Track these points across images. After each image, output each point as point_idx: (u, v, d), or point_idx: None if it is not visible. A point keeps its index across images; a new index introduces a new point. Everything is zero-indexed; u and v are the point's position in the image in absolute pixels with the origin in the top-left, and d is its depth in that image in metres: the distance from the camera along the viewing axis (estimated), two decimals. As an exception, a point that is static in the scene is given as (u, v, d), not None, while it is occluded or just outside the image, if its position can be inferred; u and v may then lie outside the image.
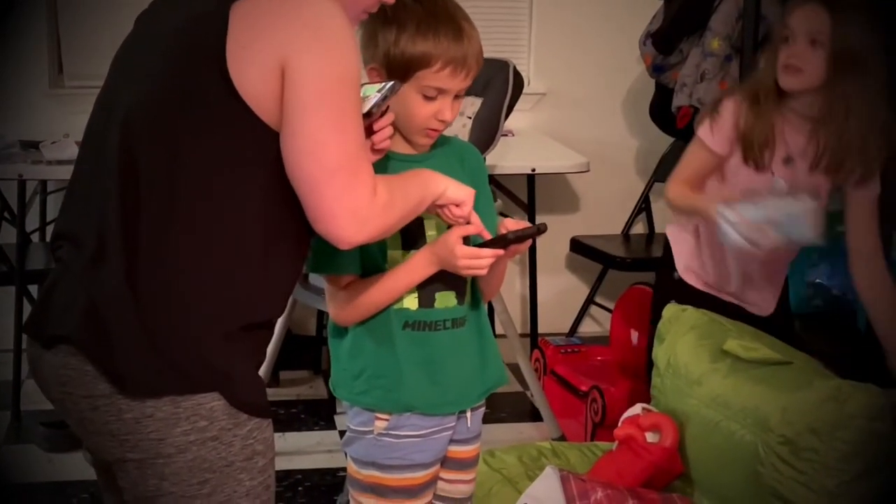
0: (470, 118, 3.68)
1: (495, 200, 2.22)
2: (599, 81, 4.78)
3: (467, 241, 1.89)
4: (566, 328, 4.79)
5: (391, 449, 1.99)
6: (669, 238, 2.93)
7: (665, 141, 4.53)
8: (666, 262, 2.92)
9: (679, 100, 4.12)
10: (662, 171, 4.40)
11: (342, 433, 3.74)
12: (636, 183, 4.78)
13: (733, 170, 2.70)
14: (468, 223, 1.89)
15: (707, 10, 4.04)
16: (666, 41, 4.18)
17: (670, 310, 2.70)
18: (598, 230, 4.69)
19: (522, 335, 4.35)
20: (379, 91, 1.80)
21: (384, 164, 1.91)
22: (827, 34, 2.57)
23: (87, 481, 3.31)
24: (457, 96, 1.93)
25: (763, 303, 2.86)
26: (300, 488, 3.46)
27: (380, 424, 1.99)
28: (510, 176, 4.16)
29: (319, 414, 4.02)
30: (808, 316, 3.68)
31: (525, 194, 4.35)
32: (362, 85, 1.83)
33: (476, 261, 1.88)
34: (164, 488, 1.66)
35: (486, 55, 1.96)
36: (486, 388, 2.07)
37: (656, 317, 2.84)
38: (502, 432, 3.80)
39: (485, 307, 2.09)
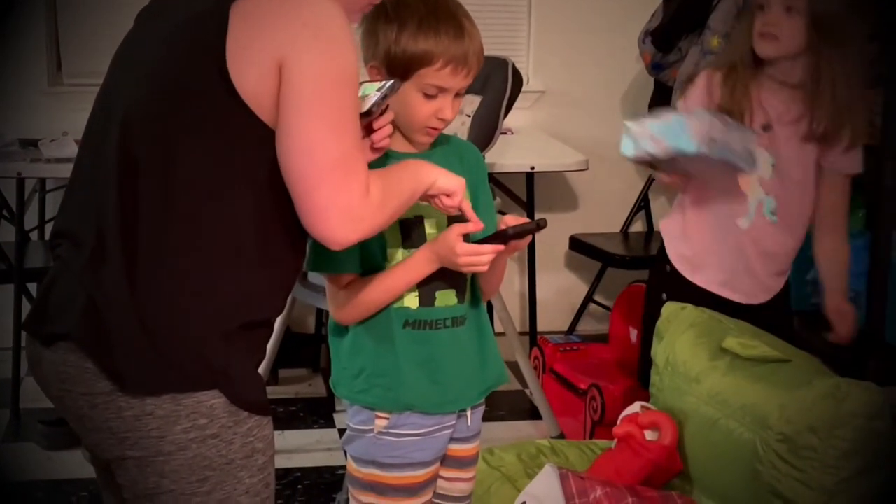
0: (469, 116, 3.68)
1: (494, 199, 2.22)
2: (598, 79, 4.78)
3: (467, 238, 1.89)
4: (565, 326, 4.79)
5: (391, 447, 1.99)
6: (661, 230, 2.95)
7: (664, 139, 4.53)
8: (660, 256, 2.93)
9: (678, 98, 4.12)
10: (661, 169, 4.40)
11: (341, 431, 3.74)
12: (635, 181, 4.78)
13: None
14: (460, 212, 1.89)
15: (706, 8, 4.04)
16: (665, 39, 4.18)
17: (669, 308, 2.70)
18: (598, 228, 4.70)
19: (521, 333, 4.35)
20: (379, 90, 1.80)
21: (383, 162, 1.91)
22: (803, 1, 2.58)
23: (86, 479, 3.32)
24: (457, 95, 1.93)
25: (752, 290, 2.82)
26: (299, 486, 3.46)
27: (380, 423, 1.99)
28: (509, 174, 4.16)
29: (318, 412, 4.02)
30: (808, 314, 3.67)
31: (524, 192, 4.36)
32: (362, 83, 1.83)
33: (476, 257, 1.88)
34: (164, 486, 1.66)
35: (485, 53, 1.96)
36: (487, 386, 2.08)
37: (649, 311, 2.85)
38: (501, 430, 3.80)
39: (484, 306, 2.09)
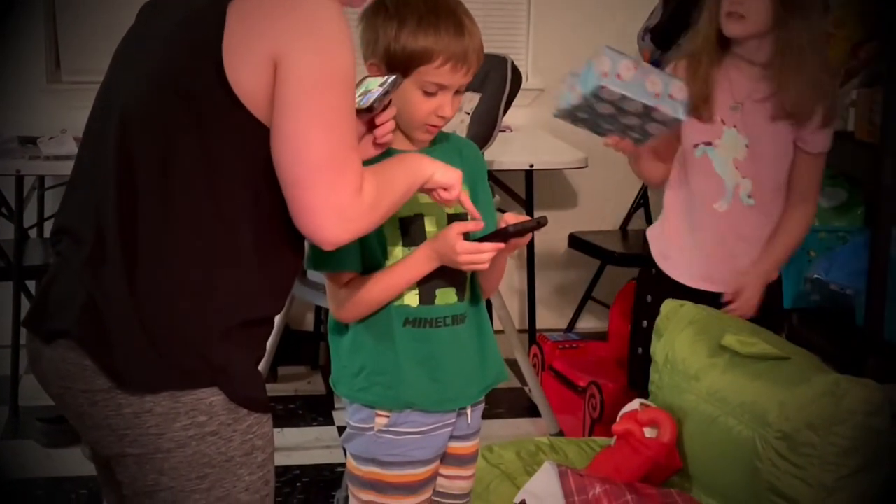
0: (468, 114, 3.68)
1: (493, 196, 2.21)
2: (598, 77, 4.78)
3: (467, 236, 1.89)
4: (564, 324, 4.79)
5: (391, 445, 1.99)
6: (647, 236, 2.98)
7: (663, 137, 4.53)
8: (647, 260, 2.95)
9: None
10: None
11: (340, 429, 3.75)
12: (634, 178, 4.74)
13: (685, 126, 2.68)
14: (459, 205, 1.89)
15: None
16: (664, 37, 4.17)
17: (668, 305, 2.70)
18: (596, 226, 4.70)
19: (521, 331, 4.35)
20: (381, 85, 1.80)
21: (383, 159, 1.91)
22: None
23: (86, 476, 3.32)
24: (457, 92, 1.93)
25: (734, 280, 2.79)
26: (298, 484, 3.46)
27: (380, 421, 1.99)
28: (508, 171, 4.16)
29: (317, 409, 4.02)
30: (806, 311, 3.68)
31: (523, 190, 4.36)
32: (365, 78, 1.83)
33: (477, 256, 1.88)
34: (163, 483, 1.66)
35: (484, 51, 1.96)
36: (486, 384, 2.08)
37: (636, 312, 2.86)
38: (500, 428, 3.80)
39: (484, 304, 2.09)
